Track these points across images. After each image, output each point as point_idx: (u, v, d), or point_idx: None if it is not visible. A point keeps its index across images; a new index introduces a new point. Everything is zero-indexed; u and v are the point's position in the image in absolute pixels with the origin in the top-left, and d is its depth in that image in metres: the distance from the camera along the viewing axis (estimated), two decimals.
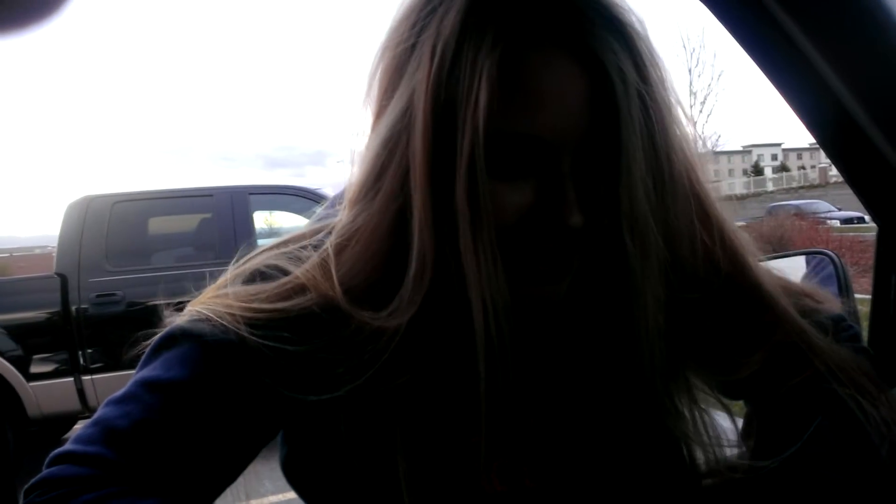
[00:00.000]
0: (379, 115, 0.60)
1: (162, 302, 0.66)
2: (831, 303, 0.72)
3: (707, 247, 0.62)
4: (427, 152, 0.55)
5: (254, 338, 0.56)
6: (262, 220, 5.73)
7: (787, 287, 0.70)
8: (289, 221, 5.72)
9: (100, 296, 4.68)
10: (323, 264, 0.60)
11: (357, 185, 0.61)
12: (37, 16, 0.21)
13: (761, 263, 0.67)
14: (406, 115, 0.57)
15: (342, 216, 0.62)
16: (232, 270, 0.65)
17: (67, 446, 0.56)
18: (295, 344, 0.56)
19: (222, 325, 0.58)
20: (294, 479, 0.67)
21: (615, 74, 0.54)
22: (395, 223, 0.58)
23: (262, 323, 0.57)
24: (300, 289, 0.59)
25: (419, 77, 0.56)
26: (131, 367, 0.62)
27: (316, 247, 0.62)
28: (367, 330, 0.57)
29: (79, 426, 5.21)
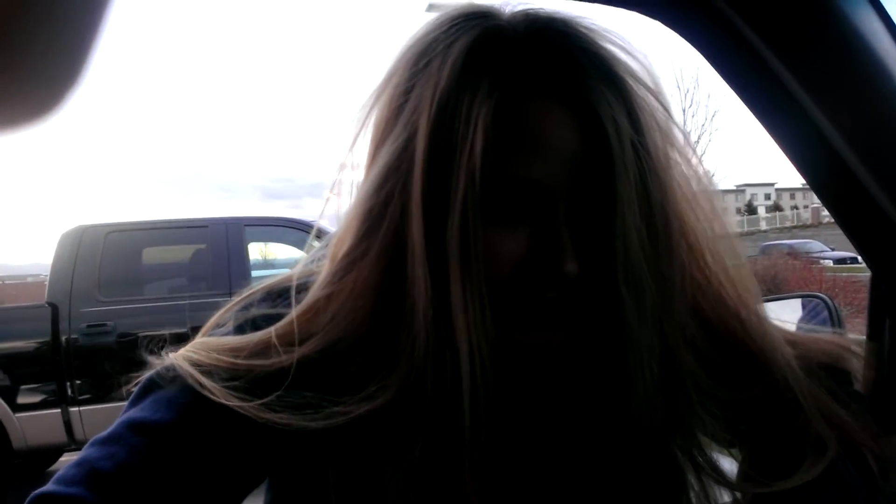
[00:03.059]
0: (373, 157, 0.60)
1: (152, 334, 0.65)
2: (844, 355, 0.71)
3: (697, 297, 0.62)
4: (424, 198, 0.55)
5: (230, 391, 0.56)
6: (257, 251, 5.73)
7: (796, 337, 0.70)
8: (284, 253, 5.72)
9: (91, 326, 4.64)
10: (309, 315, 0.59)
11: (348, 231, 0.60)
12: (34, 115, 0.21)
13: (759, 307, 0.67)
14: (401, 160, 0.57)
15: (328, 263, 0.62)
16: (227, 309, 0.65)
17: (49, 487, 0.55)
18: (272, 399, 0.56)
19: (208, 371, 0.57)
20: None
21: (609, 125, 0.55)
22: (388, 275, 0.57)
23: (242, 375, 0.57)
24: (277, 346, 0.58)
25: (416, 122, 0.56)
26: (120, 399, 0.61)
27: (306, 289, 0.62)
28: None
29: (65, 458, 5.14)
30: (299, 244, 5.26)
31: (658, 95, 0.60)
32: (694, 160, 0.62)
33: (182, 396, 0.58)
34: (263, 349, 0.58)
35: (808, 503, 0.60)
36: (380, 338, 0.57)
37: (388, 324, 0.57)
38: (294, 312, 0.59)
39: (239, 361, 0.58)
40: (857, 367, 0.72)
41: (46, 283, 4.96)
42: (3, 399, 4.53)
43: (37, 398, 4.62)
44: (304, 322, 0.59)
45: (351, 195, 0.62)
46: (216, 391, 0.56)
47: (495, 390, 0.55)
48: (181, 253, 5.41)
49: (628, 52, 0.59)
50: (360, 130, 0.62)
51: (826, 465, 0.60)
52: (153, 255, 5.33)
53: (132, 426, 0.57)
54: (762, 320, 0.65)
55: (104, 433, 0.58)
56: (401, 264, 0.56)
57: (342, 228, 0.62)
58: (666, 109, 0.60)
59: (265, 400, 0.55)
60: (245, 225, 5.32)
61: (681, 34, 0.79)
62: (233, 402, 0.55)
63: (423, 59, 0.58)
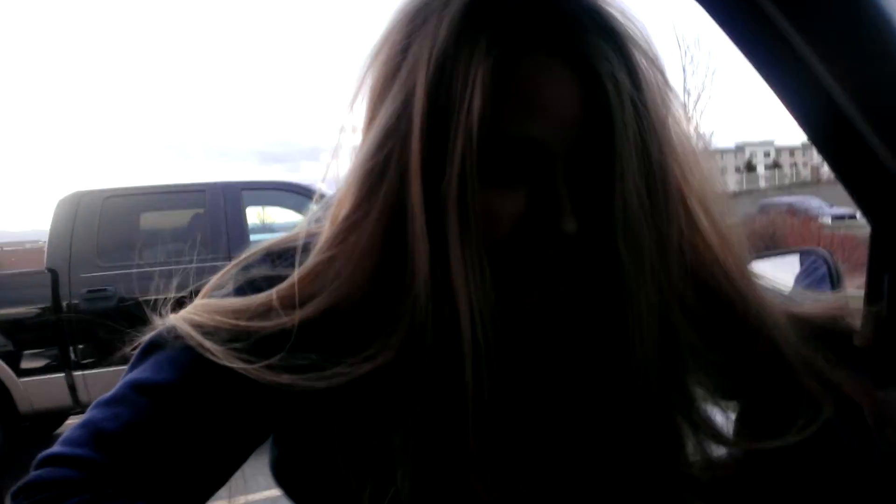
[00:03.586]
0: (370, 119, 0.60)
1: (153, 298, 0.66)
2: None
3: (690, 257, 0.62)
4: (422, 158, 0.55)
5: (231, 352, 0.56)
6: (255, 215, 5.72)
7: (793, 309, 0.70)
8: (281, 217, 5.71)
9: (91, 291, 4.66)
10: (311, 277, 0.59)
11: (348, 193, 0.60)
12: None
13: (750, 267, 0.67)
14: (399, 121, 0.56)
15: (328, 225, 0.61)
16: (226, 270, 0.65)
17: (55, 448, 0.55)
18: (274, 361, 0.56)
19: (209, 332, 0.57)
20: (284, 481, 0.67)
21: (609, 82, 0.54)
22: (389, 236, 0.57)
23: (243, 337, 0.57)
24: (278, 308, 0.58)
25: (413, 82, 0.56)
26: (122, 363, 0.62)
27: (307, 250, 0.62)
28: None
29: (71, 421, 5.20)
30: (297, 208, 5.25)
31: (655, 60, 0.59)
32: (691, 122, 0.62)
33: (184, 356, 0.58)
34: (265, 311, 0.58)
35: (802, 461, 0.61)
36: (381, 299, 0.57)
37: (389, 285, 0.57)
38: (295, 274, 0.59)
39: (240, 323, 0.58)
40: (855, 325, 0.72)
41: (45, 249, 4.96)
42: (8, 364, 4.57)
43: (40, 363, 4.67)
44: (306, 284, 0.59)
45: (350, 158, 0.62)
46: (218, 353, 0.56)
47: (496, 350, 0.55)
48: (179, 218, 5.40)
49: (626, 17, 0.58)
50: (357, 91, 0.61)
51: (819, 424, 0.61)
52: (151, 219, 5.33)
53: (135, 387, 0.58)
54: (752, 282, 0.66)
55: (108, 395, 0.58)
56: (401, 225, 0.56)
57: (342, 190, 0.61)
58: (662, 75, 0.60)
59: (267, 362, 0.56)
60: (242, 189, 5.30)
61: None
62: (235, 364, 0.56)
63: (419, 16, 0.57)
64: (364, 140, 0.60)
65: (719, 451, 0.64)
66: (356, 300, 0.58)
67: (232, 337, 0.57)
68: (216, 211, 5.11)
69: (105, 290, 4.68)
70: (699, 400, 0.64)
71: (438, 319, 0.55)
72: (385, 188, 0.57)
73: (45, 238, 5.04)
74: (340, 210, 0.61)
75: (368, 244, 0.57)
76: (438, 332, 0.55)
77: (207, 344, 0.57)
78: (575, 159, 0.57)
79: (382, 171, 0.57)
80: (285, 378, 0.55)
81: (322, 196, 0.67)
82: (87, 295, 4.67)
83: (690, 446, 0.63)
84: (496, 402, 0.56)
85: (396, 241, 0.57)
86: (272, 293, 0.59)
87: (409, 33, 0.57)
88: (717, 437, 0.63)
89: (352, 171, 0.60)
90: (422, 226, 0.55)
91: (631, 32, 0.58)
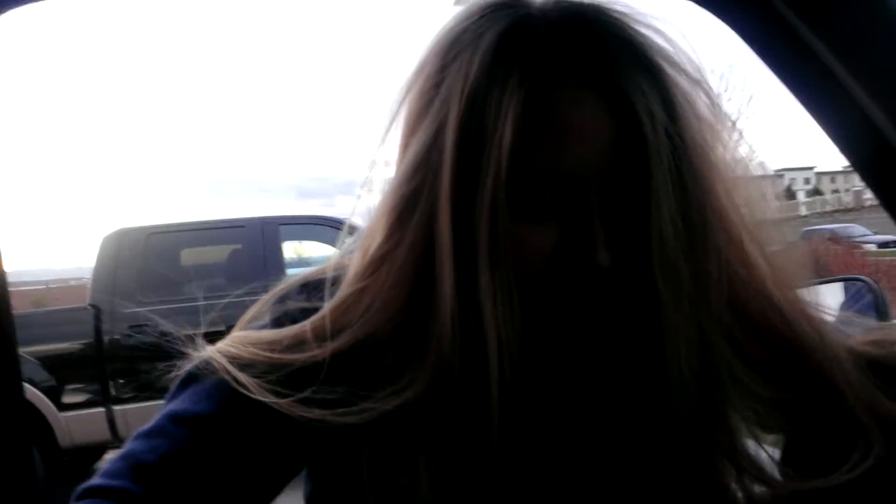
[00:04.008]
0: (403, 151, 0.60)
1: (192, 332, 0.67)
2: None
3: (735, 288, 0.60)
4: (453, 191, 0.55)
5: (264, 385, 0.56)
6: (292, 249, 5.79)
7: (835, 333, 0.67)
8: (318, 251, 5.77)
9: (132, 326, 4.73)
10: (343, 309, 0.59)
11: (379, 225, 0.60)
12: None
13: (800, 294, 0.65)
14: (431, 152, 0.57)
15: (359, 257, 0.62)
16: (264, 302, 0.65)
17: (94, 480, 0.56)
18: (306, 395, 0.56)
19: (245, 365, 0.58)
20: None
21: (644, 114, 0.54)
22: (420, 269, 0.57)
23: (278, 368, 0.57)
24: (311, 341, 0.59)
25: (446, 114, 0.56)
26: (162, 397, 0.63)
27: (337, 282, 0.62)
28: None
29: (110, 455, 5.25)
30: (333, 241, 5.23)
31: (697, 80, 0.58)
32: (735, 145, 0.61)
33: (221, 388, 0.58)
34: (298, 343, 0.59)
35: (852, 501, 0.59)
36: (411, 331, 0.57)
37: (419, 317, 0.57)
38: (327, 307, 0.60)
39: (275, 356, 0.58)
40: None
41: (89, 285, 5.07)
42: (50, 398, 4.65)
43: (81, 397, 4.74)
44: (338, 315, 0.59)
45: (382, 191, 0.62)
46: (251, 385, 0.56)
47: (526, 384, 0.55)
48: (219, 253, 5.49)
49: (665, 37, 0.58)
50: (390, 125, 0.62)
51: (872, 463, 0.58)
52: (192, 255, 5.42)
53: (174, 418, 0.58)
54: (806, 311, 0.63)
55: (147, 426, 0.58)
56: (431, 258, 0.56)
57: (373, 222, 0.62)
58: (707, 94, 0.59)
59: (299, 396, 0.56)
60: (280, 224, 5.38)
61: (716, 13, 0.77)
62: (267, 398, 0.56)
63: (452, 50, 0.58)
64: (396, 171, 0.60)
65: (763, 490, 0.62)
66: (387, 332, 0.58)
67: (267, 369, 0.58)
68: (255, 246, 5.18)
69: (146, 325, 4.76)
70: (742, 437, 0.61)
71: (466, 354, 0.55)
72: (416, 219, 0.57)
73: (89, 275, 5.15)
74: (371, 242, 0.61)
75: (399, 276, 0.57)
76: (465, 366, 0.55)
77: (241, 377, 0.57)
78: (608, 192, 0.56)
79: (413, 202, 0.57)
80: (316, 413, 0.55)
81: (354, 228, 0.68)
82: (128, 330, 4.74)
83: (732, 485, 0.61)
84: (524, 438, 0.55)
85: (427, 273, 0.56)
86: (306, 324, 0.59)
87: (441, 67, 0.58)
88: (761, 476, 0.61)
89: (383, 203, 0.60)
90: (449, 257, 0.55)
91: (670, 53, 0.57)
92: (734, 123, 0.61)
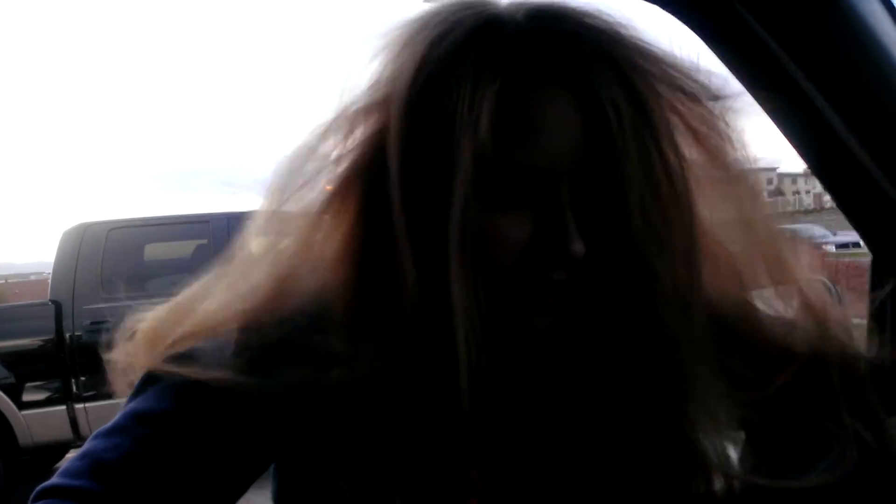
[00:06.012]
0: (348, 133, 0.61)
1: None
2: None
3: (705, 278, 0.61)
4: (401, 170, 0.56)
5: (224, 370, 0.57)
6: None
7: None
8: None
9: (94, 323, 4.65)
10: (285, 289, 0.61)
11: (324, 204, 0.61)
12: None
13: (766, 292, 0.66)
14: (380, 136, 0.58)
15: (297, 234, 0.63)
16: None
17: (54, 480, 0.55)
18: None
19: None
20: None
21: (609, 108, 0.55)
22: (365, 245, 0.58)
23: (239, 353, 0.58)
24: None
25: (389, 104, 0.57)
26: (124, 395, 0.62)
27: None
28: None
29: (71, 454, 5.17)
30: None
31: (666, 74, 0.59)
32: (707, 140, 0.61)
33: (182, 385, 0.58)
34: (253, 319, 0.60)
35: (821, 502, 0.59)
36: (367, 311, 0.58)
37: (373, 298, 0.58)
38: (269, 282, 0.62)
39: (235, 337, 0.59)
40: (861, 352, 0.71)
41: (49, 280, 4.97)
42: (10, 397, 4.55)
43: (42, 395, 4.64)
44: (285, 294, 0.61)
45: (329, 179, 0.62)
46: (208, 370, 0.57)
47: (496, 373, 0.55)
48: (183, 248, 5.40)
49: (631, 31, 0.58)
50: (341, 114, 0.61)
51: (845, 470, 0.58)
52: (155, 251, 5.33)
53: (135, 417, 0.58)
54: (771, 310, 0.65)
55: (107, 425, 0.58)
56: (379, 236, 0.57)
57: (316, 201, 0.62)
58: (679, 88, 0.59)
59: (255, 380, 0.56)
60: (246, 219, 5.31)
61: (675, 14, 0.79)
62: (225, 376, 0.56)
63: (426, 40, 0.57)
64: (343, 155, 0.60)
65: (725, 483, 0.63)
66: (340, 310, 0.58)
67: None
68: (220, 241, 5.10)
69: (108, 321, 4.67)
70: (709, 433, 0.61)
71: (431, 339, 0.55)
72: (359, 199, 0.59)
73: (50, 270, 5.05)
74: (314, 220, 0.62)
75: (341, 252, 0.59)
76: (432, 351, 0.55)
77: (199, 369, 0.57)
78: (580, 183, 0.57)
79: (355, 179, 0.59)
80: (275, 385, 0.56)
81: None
82: (90, 326, 4.65)
83: (696, 478, 0.62)
84: (495, 427, 0.56)
85: (374, 252, 0.58)
86: (257, 303, 0.61)
87: (400, 55, 0.58)
88: (727, 469, 0.61)
89: (331, 183, 0.61)
90: (406, 247, 0.55)
91: (637, 42, 0.58)
92: (705, 119, 0.61)
